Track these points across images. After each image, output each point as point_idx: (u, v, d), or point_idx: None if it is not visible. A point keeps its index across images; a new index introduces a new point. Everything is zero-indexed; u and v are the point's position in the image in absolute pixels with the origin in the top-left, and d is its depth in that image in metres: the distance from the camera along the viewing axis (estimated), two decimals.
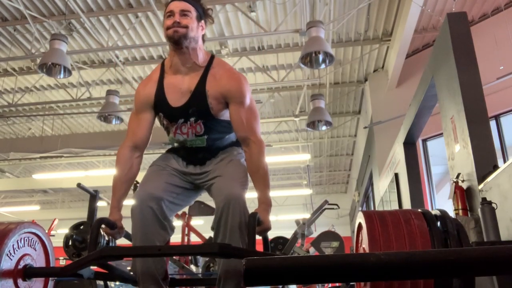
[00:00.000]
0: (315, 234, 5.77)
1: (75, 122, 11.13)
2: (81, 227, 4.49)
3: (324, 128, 8.17)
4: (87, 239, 4.41)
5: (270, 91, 9.52)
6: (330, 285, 6.36)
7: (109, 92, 8.07)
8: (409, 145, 6.08)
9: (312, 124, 8.00)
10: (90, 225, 4.51)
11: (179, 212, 4.99)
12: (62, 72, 6.40)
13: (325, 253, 5.35)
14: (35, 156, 11.48)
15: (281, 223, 12.22)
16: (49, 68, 6.34)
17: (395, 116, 7.53)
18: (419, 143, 7.03)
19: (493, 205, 2.80)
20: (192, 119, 2.11)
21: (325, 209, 5.54)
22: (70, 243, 4.43)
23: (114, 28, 7.51)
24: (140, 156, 2.21)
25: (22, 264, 1.97)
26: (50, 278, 2.11)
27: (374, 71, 8.97)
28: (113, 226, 2.06)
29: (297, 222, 5.27)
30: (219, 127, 2.18)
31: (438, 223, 1.83)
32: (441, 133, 4.06)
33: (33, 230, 2.06)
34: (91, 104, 10.01)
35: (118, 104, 8.19)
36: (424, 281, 1.69)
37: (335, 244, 5.57)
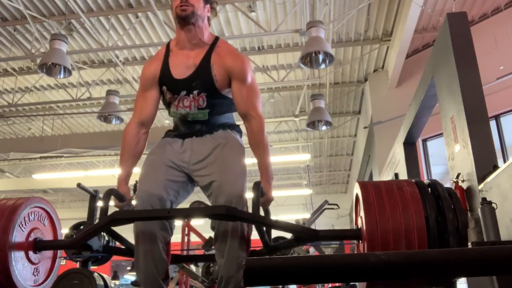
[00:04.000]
0: None
1: (75, 122, 11.12)
2: (81, 227, 4.49)
3: (324, 128, 8.16)
4: None
5: (270, 91, 9.52)
6: (330, 285, 6.36)
7: (109, 92, 8.06)
8: (409, 145, 6.08)
9: (312, 124, 8.00)
10: (90, 225, 4.51)
11: None
12: (62, 72, 6.40)
13: (325, 253, 5.36)
14: (35, 156, 11.47)
15: None
16: (49, 68, 6.34)
17: (395, 116, 7.53)
18: (419, 143, 7.03)
19: (493, 205, 2.80)
20: (195, 92, 2.15)
21: (325, 209, 5.54)
22: None
23: (114, 28, 7.50)
24: (147, 132, 2.27)
25: (32, 237, 2.04)
26: (58, 256, 2.18)
27: (374, 71, 8.96)
28: (122, 198, 2.11)
29: (297, 222, 5.26)
30: (222, 103, 2.20)
31: (430, 190, 1.93)
32: (441, 133, 4.05)
33: (42, 206, 2.15)
34: (91, 104, 10.01)
35: (118, 104, 8.19)
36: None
37: (335, 244, 5.57)
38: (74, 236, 4.39)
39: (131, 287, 5.06)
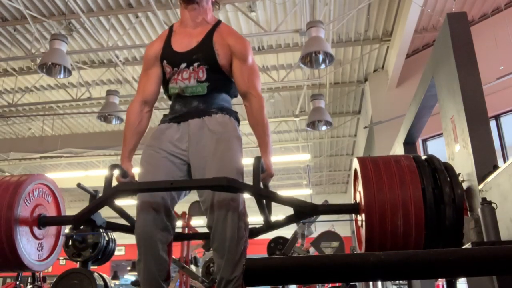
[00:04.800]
0: (315, 234, 5.77)
1: (75, 122, 11.12)
2: (81, 227, 4.48)
3: (324, 128, 8.16)
4: (87, 239, 4.42)
5: (270, 91, 9.52)
6: (330, 285, 6.36)
7: (109, 92, 8.06)
8: (409, 145, 6.06)
9: (312, 124, 7.99)
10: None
11: (179, 212, 4.99)
12: (62, 72, 6.40)
13: (325, 253, 5.36)
14: (35, 156, 11.46)
15: None
16: (49, 68, 6.34)
17: (395, 116, 7.52)
18: (419, 143, 7.02)
19: (493, 205, 2.80)
20: (195, 64, 2.16)
21: None
22: (70, 243, 4.43)
23: (114, 28, 7.50)
24: (150, 111, 2.27)
25: (36, 212, 2.10)
26: (61, 234, 2.25)
27: (374, 71, 8.96)
28: (125, 175, 2.12)
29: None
30: (222, 79, 2.20)
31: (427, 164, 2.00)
32: (441, 133, 4.05)
33: (46, 183, 2.22)
34: (91, 104, 10.00)
35: (118, 104, 8.19)
36: (415, 210, 1.80)
37: (335, 244, 5.57)
38: (74, 236, 4.40)
39: (131, 287, 5.05)
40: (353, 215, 2.23)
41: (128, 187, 2.01)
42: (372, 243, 1.87)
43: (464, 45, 3.73)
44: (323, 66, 6.17)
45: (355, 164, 2.03)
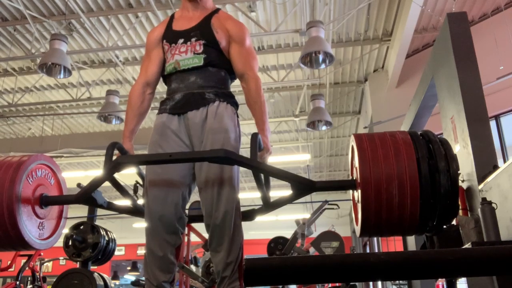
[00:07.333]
0: (315, 234, 5.78)
1: (75, 122, 11.11)
2: (81, 227, 4.49)
3: (324, 128, 8.16)
4: (87, 239, 4.42)
5: (270, 91, 9.52)
6: (330, 285, 6.37)
7: (109, 92, 8.05)
8: None
9: (312, 124, 8.00)
10: (90, 225, 4.51)
11: None
12: (62, 72, 6.40)
13: (325, 253, 5.36)
14: None
15: (281, 223, 12.19)
16: (49, 68, 6.33)
17: (395, 116, 7.52)
18: None
19: (493, 205, 2.80)
20: (193, 39, 2.20)
21: (325, 209, 5.54)
22: (70, 243, 4.43)
23: (114, 28, 7.50)
24: (152, 93, 2.31)
25: (39, 191, 2.11)
26: (63, 216, 2.27)
27: (374, 71, 8.96)
28: (125, 153, 2.15)
29: (297, 222, 5.27)
30: (218, 54, 2.21)
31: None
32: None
33: (49, 164, 2.23)
34: (91, 104, 10.00)
35: (118, 104, 8.18)
36: (410, 189, 1.84)
37: (335, 244, 5.57)
38: (74, 236, 4.40)
39: (131, 287, 5.05)
40: (351, 200, 2.25)
41: (128, 159, 2.02)
42: (368, 215, 1.89)
43: (464, 45, 3.73)
44: (323, 66, 6.17)
45: (352, 141, 2.08)
